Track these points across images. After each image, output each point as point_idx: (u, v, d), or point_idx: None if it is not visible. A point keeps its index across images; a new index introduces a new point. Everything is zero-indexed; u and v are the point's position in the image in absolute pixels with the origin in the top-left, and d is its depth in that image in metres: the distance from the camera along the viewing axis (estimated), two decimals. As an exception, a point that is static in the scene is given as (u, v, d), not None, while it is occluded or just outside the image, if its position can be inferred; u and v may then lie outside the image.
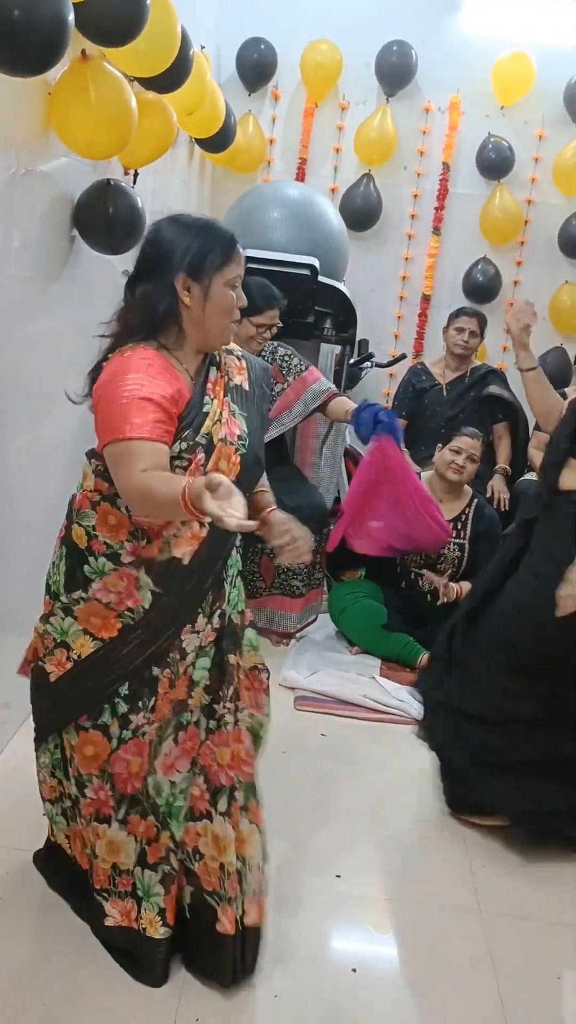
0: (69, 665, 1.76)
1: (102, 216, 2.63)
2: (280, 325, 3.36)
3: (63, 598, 1.76)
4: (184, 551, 1.71)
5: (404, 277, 5.16)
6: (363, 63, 4.81)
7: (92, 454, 1.75)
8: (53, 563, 1.81)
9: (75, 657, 1.75)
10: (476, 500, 3.57)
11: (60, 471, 2.56)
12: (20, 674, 1.91)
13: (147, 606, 1.72)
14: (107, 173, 2.78)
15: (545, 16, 4.78)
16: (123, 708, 1.75)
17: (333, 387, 3.59)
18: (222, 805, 1.79)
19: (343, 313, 4.21)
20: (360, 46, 4.77)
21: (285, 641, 3.51)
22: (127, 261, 3.00)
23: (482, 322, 4.24)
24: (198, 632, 1.78)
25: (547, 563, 2.39)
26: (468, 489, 3.60)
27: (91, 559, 1.73)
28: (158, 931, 1.79)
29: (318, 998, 1.79)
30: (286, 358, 3.58)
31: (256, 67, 4.80)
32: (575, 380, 4.07)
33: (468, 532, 3.52)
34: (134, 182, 3.05)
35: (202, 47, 3.54)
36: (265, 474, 1.96)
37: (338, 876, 2.17)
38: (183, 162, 4.21)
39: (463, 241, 5.06)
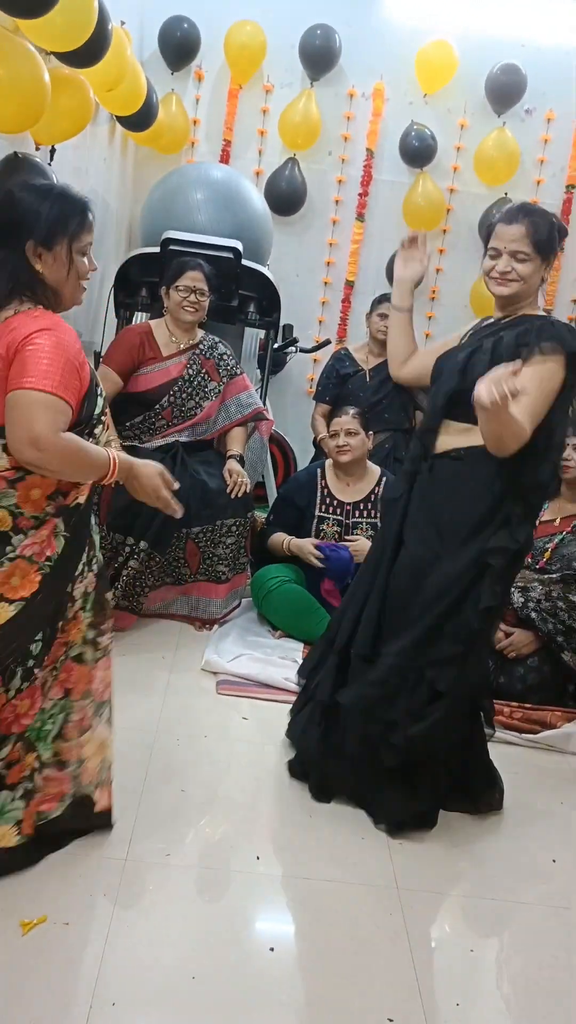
0: None
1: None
2: (205, 292, 3.36)
3: None
4: (84, 496, 1.87)
5: (329, 263, 5.19)
6: (288, 45, 4.81)
7: None
8: None
9: None
10: (384, 478, 3.60)
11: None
12: None
13: (60, 551, 1.83)
14: (21, 147, 2.71)
15: (468, 6, 4.83)
16: (30, 663, 1.83)
17: (259, 403, 3.65)
18: (105, 714, 2.03)
19: (267, 297, 4.21)
20: (285, 28, 4.76)
21: (208, 626, 3.50)
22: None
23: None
24: (84, 577, 1.92)
25: (430, 521, 2.35)
26: (374, 468, 3.64)
27: (17, 536, 1.78)
28: (11, 841, 1.90)
29: (235, 978, 1.80)
30: (224, 357, 3.58)
31: (179, 46, 4.75)
32: None
33: (380, 511, 3.55)
34: (51, 158, 2.99)
35: (122, 23, 3.48)
36: None
37: (258, 858, 2.18)
38: (104, 140, 4.14)
39: (386, 228, 5.10)
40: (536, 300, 2.35)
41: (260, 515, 3.81)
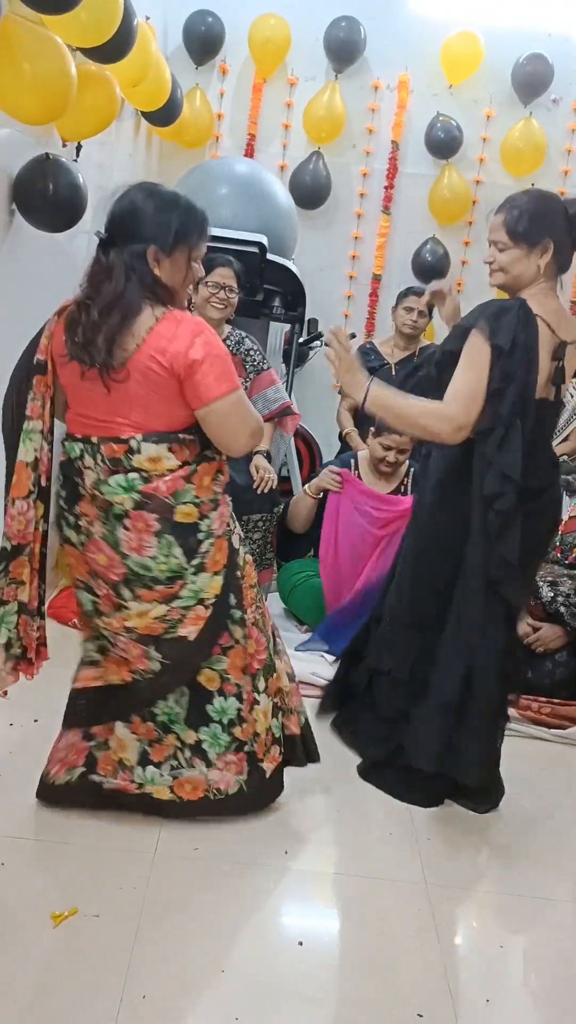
0: (208, 612, 2.01)
1: (41, 194, 2.58)
2: (234, 288, 3.36)
3: (191, 567, 1.97)
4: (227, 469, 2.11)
5: (354, 256, 5.16)
6: (312, 38, 4.78)
7: (162, 437, 1.91)
8: (151, 557, 1.93)
9: (211, 601, 2.01)
10: (412, 470, 3.59)
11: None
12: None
13: (231, 520, 2.09)
14: (48, 145, 2.72)
15: (493, -5, 4.78)
16: (238, 614, 2.09)
17: (286, 398, 3.63)
18: (278, 645, 2.28)
19: (292, 292, 4.20)
20: (309, 21, 4.73)
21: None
22: (70, 237, 2.97)
23: (431, 306, 4.25)
24: (236, 531, 2.14)
25: (427, 503, 2.40)
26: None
27: (204, 521, 1.98)
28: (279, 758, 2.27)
29: (264, 971, 1.80)
30: (251, 352, 3.57)
31: (203, 40, 4.73)
32: None
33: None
34: (77, 154, 3.00)
35: (147, 18, 3.48)
36: None
37: (286, 852, 2.18)
38: (129, 136, 4.15)
39: (412, 221, 5.06)
40: (545, 287, 2.24)
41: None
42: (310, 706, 2.71)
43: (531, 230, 2.18)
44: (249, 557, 2.18)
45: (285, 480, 4.26)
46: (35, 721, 2.53)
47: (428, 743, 2.33)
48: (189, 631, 2.01)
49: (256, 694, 2.16)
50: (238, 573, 2.10)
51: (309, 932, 1.95)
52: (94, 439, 1.92)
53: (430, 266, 5.00)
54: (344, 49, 4.77)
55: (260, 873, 2.11)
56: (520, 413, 2.15)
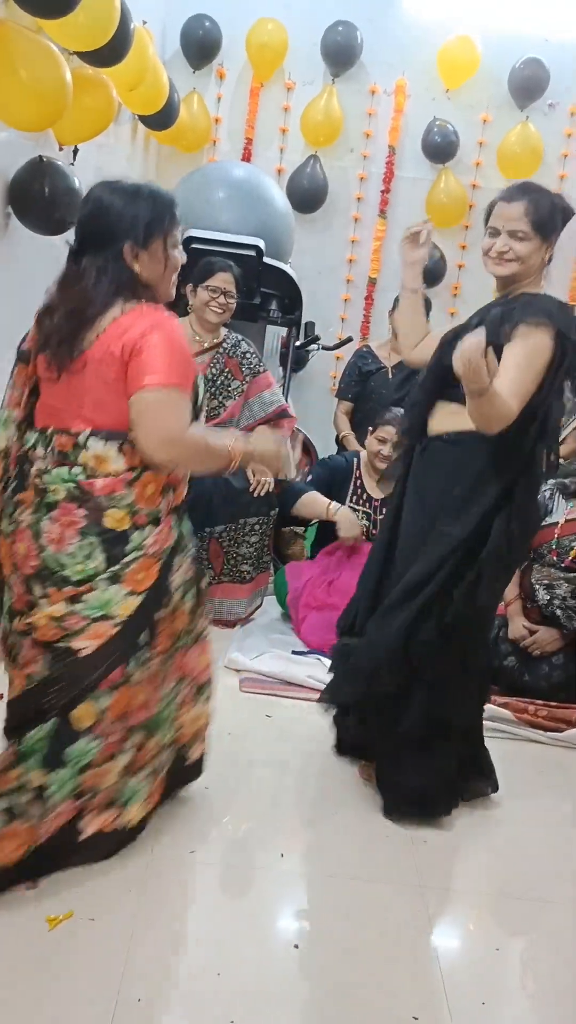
0: (114, 631, 1.83)
1: (37, 197, 2.59)
2: (235, 295, 3.36)
3: (105, 575, 1.82)
4: (184, 492, 1.98)
5: (351, 260, 5.17)
6: (309, 43, 4.80)
7: (110, 435, 1.81)
8: (69, 555, 1.80)
9: (121, 620, 1.83)
10: None
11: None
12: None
13: (173, 544, 1.92)
14: (45, 148, 2.73)
15: (490, 1, 4.80)
16: (145, 654, 1.89)
17: (282, 401, 3.63)
18: (205, 694, 2.16)
19: (289, 295, 4.21)
20: (306, 26, 4.75)
21: (231, 625, 3.50)
22: (67, 240, 2.97)
23: (427, 305, 4.25)
24: (181, 567, 1.96)
25: (421, 502, 2.33)
26: None
27: (135, 533, 1.84)
28: (139, 816, 2.00)
29: (260, 975, 1.80)
30: (247, 356, 3.58)
31: (201, 45, 4.75)
32: None
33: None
34: (73, 158, 3.00)
35: (144, 22, 3.49)
36: None
37: (282, 855, 2.18)
38: (127, 139, 4.16)
39: (409, 224, 5.05)
40: (538, 280, 2.26)
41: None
42: (309, 709, 2.71)
43: (550, 222, 2.19)
44: (187, 607, 2.00)
45: (281, 483, 4.26)
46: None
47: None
48: (85, 645, 1.82)
49: (121, 746, 1.92)
50: (162, 612, 1.91)
51: (305, 935, 1.94)
52: (49, 430, 1.87)
53: (426, 270, 4.99)
54: (341, 54, 4.79)
55: (255, 876, 2.11)
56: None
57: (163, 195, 1.87)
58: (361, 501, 3.60)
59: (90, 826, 1.92)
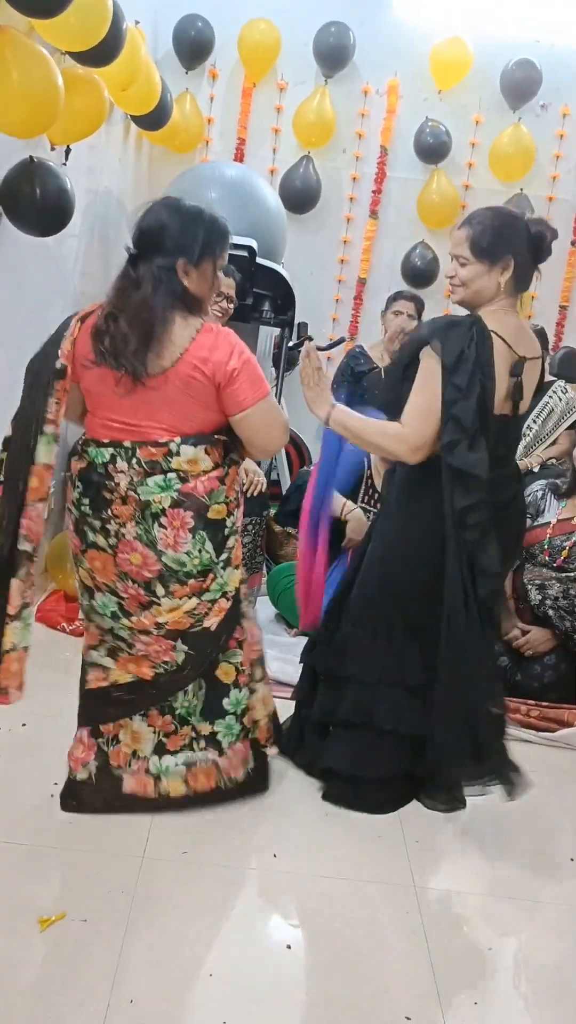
0: (229, 603, 2.14)
1: (28, 198, 2.58)
2: (233, 298, 3.36)
3: (219, 562, 2.10)
4: None
5: (343, 260, 5.17)
6: (301, 43, 4.80)
7: (199, 440, 2.03)
8: (186, 553, 2.04)
9: (232, 593, 2.15)
10: None
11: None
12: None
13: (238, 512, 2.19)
14: (36, 149, 2.72)
15: (482, 2, 4.81)
16: (243, 605, 2.23)
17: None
18: (259, 674, 2.32)
19: (281, 295, 4.20)
20: (298, 26, 4.75)
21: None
22: (58, 241, 2.96)
23: (420, 306, 4.27)
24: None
25: (398, 509, 2.38)
26: None
27: (229, 519, 2.11)
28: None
29: (253, 975, 1.80)
30: None
31: (193, 45, 4.74)
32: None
33: None
34: (66, 158, 3.00)
35: (136, 22, 3.49)
36: None
37: (275, 856, 2.18)
38: (119, 140, 4.15)
39: (401, 225, 5.08)
40: (505, 304, 2.24)
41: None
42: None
43: (493, 246, 2.20)
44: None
45: (275, 484, 4.27)
46: (23, 725, 2.53)
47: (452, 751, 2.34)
48: (212, 622, 2.13)
49: (256, 683, 2.29)
50: (243, 567, 2.25)
51: (297, 935, 1.95)
52: (127, 443, 2.02)
53: (419, 270, 5.02)
54: (334, 54, 4.79)
55: (249, 876, 2.11)
56: (481, 428, 2.15)
57: (220, 223, 2.06)
58: (372, 502, 3.59)
59: (269, 748, 2.36)
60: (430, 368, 2.18)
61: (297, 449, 4.81)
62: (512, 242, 2.21)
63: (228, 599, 2.15)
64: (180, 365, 1.98)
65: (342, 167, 5.06)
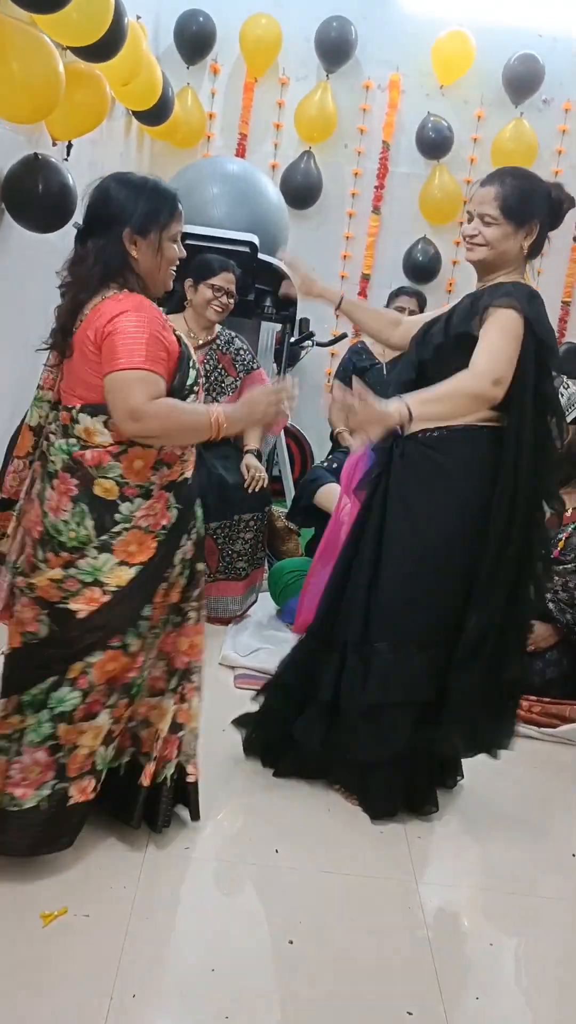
0: (106, 598, 1.92)
1: (30, 193, 2.58)
2: (235, 295, 3.36)
3: (95, 543, 1.92)
4: (190, 472, 2.04)
5: (345, 256, 5.17)
6: (303, 38, 4.79)
7: (96, 410, 1.91)
8: (63, 521, 1.93)
9: (112, 589, 1.92)
10: None
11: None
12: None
13: (173, 521, 1.99)
14: (38, 144, 2.72)
15: (484, -5, 4.80)
16: (144, 627, 1.97)
17: None
18: (173, 684, 2.11)
19: (283, 292, 4.20)
20: (300, 21, 4.75)
21: (226, 622, 3.50)
22: (61, 237, 2.96)
23: (422, 301, 4.27)
24: (183, 546, 2.03)
25: (407, 509, 2.26)
26: None
27: (125, 504, 1.93)
28: (92, 794, 1.99)
29: (255, 971, 1.81)
30: (240, 352, 3.58)
31: (195, 40, 4.74)
32: None
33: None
34: (67, 154, 3.00)
35: (138, 17, 3.48)
36: None
37: (277, 851, 2.18)
38: (120, 135, 4.15)
39: (403, 220, 5.07)
40: (519, 270, 2.20)
41: (278, 509, 3.82)
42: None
43: (524, 208, 2.14)
44: (181, 583, 2.05)
45: (276, 480, 4.27)
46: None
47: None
48: (80, 608, 1.92)
49: (100, 707, 1.97)
50: (162, 586, 2.00)
51: (299, 931, 1.95)
52: (59, 406, 2.02)
53: (421, 266, 5.01)
54: (335, 49, 4.78)
55: (250, 872, 2.11)
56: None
57: (166, 189, 1.98)
58: None
59: (74, 790, 1.96)
60: (513, 319, 2.08)
61: (298, 444, 4.81)
62: (540, 206, 2.16)
63: (103, 592, 1.92)
64: (78, 331, 1.92)
65: (344, 162, 5.05)
